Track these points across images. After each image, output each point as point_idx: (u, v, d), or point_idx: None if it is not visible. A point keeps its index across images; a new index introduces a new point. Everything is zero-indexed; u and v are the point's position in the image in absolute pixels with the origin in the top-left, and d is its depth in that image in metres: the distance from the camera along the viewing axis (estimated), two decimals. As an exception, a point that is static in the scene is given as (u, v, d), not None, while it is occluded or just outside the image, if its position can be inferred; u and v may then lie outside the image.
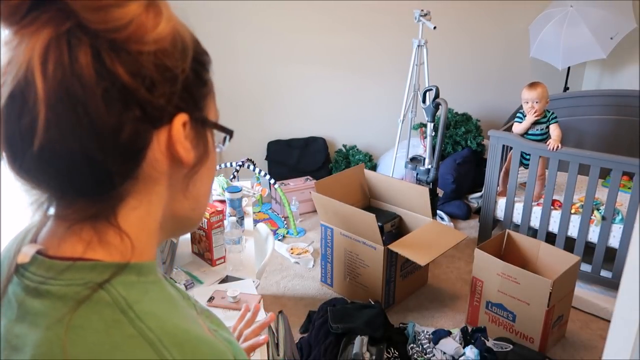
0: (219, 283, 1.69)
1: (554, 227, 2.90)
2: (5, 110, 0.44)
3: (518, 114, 3.05)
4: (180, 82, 0.48)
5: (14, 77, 0.43)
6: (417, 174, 3.15)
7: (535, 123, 2.97)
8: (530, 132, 2.99)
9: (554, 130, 2.90)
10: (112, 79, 0.44)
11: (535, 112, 2.91)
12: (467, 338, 2.31)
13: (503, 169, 3.10)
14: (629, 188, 2.90)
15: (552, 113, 2.98)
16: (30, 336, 0.45)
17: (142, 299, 0.47)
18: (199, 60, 0.52)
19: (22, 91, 0.43)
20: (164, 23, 0.46)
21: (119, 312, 0.45)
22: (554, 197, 2.89)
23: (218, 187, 2.26)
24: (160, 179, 0.50)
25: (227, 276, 1.73)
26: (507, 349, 2.20)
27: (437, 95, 3.00)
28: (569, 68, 3.98)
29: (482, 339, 2.25)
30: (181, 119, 0.49)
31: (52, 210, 0.49)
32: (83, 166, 0.44)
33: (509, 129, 3.08)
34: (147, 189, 0.50)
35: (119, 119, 0.44)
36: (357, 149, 4.07)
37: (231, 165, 3.35)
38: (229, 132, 0.55)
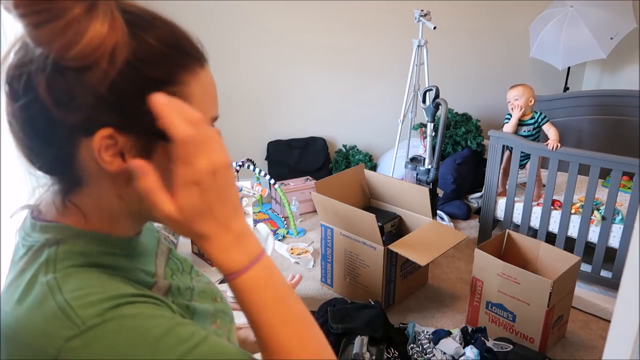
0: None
1: (554, 227, 2.90)
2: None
3: (507, 115, 3.07)
4: (97, 99, 0.50)
5: None
6: (417, 174, 3.15)
7: (522, 124, 2.99)
8: (519, 133, 3.01)
9: (549, 129, 2.91)
10: (33, 94, 0.51)
11: (519, 109, 2.93)
12: (467, 338, 2.31)
13: (501, 170, 3.10)
14: (629, 188, 2.90)
15: (541, 114, 2.98)
16: (8, 277, 0.58)
17: (73, 259, 0.55)
18: (147, 75, 0.52)
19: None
20: (88, 39, 0.48)
21: (44, 265, 0.54)
22: (554, 197, 2.89)
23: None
24: (100, 176, 0.56)
25: (227, 276, 1.73)
26: (507, 349, 2.20)
27: (437, 96, 3.00)
28: (569, 68, 3.98)
29: (482, 339, 2.25)
30: (103, 132, 0.52)
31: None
32: (29, 156, 0.56)
33: (509, 129, 3.09)
34: (95, 182, 0.57)
35: (46, 129, 0.52)
36: (357, 149, 4.07)
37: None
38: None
